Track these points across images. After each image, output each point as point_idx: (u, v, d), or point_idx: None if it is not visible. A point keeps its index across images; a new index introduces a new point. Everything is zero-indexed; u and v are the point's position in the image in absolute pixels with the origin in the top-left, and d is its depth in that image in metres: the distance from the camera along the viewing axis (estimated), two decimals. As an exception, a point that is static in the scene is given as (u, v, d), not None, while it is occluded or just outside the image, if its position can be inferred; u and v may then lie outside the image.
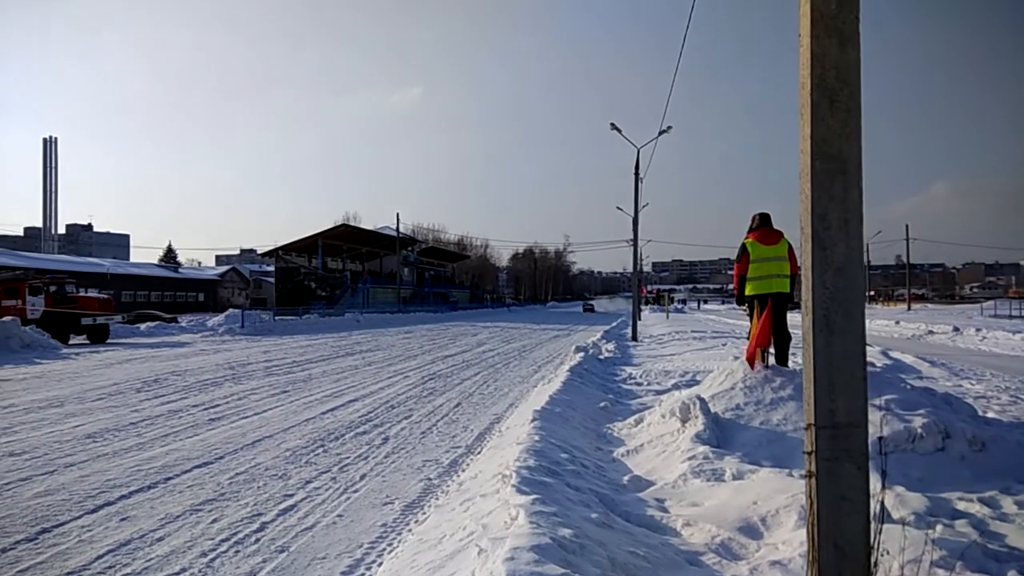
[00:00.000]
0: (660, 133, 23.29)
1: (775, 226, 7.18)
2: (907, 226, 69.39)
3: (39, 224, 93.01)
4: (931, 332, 24.50)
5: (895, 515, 3.77)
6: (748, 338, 7.21)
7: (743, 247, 7.18)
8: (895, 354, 13.29)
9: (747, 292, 7.15)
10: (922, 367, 11.97)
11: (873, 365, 9.34)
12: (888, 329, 29.07)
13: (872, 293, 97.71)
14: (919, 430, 5.00)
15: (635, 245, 26.53)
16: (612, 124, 24.49)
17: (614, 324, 34.85)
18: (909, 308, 63.13)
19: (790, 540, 3.46)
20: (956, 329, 23.78)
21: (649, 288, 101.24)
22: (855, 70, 2.39)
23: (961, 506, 4.20)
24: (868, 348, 9.49)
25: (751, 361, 6.66)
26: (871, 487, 2.42)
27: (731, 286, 7.47)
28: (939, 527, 3.64)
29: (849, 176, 2.39)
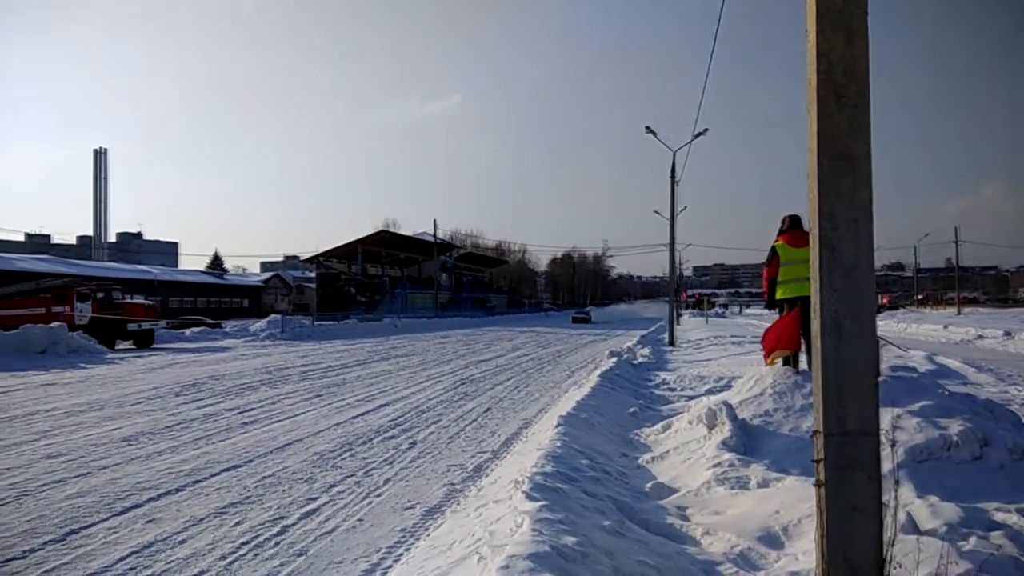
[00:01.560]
0: (696, 135, 23.00)
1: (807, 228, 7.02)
2: (956, 228, 67.42)
3: (91, 233, 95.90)
4: (981, 336, 23.70)
5: (927, 525, 3.62)
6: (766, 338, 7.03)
7: (773, 250, 7.04)
8: (940, 359, 12.84)
9: (778, 296, 7.00)
10: (967, 372, 11.56)
11: (915, 370, 9.06)
12: (936, 333, 28.23)
13: (921, 296, 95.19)
14: (955, 437, 4.80)
15: (672, 249, 26.23)
16: (647, 127, 24.28)
17: (651, 329, 34.49)
18: (959, 312, 61.21)
19: (811, 551, 3.34)
20: (1007, 333, 22.95)
21: (689, 293, 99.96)
22: (863, 65, 2.30)
23: (999, 517, 4.01)
24: (913, 353, 9.18)
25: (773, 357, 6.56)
26: (897, 497, 2.32)
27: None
28: (972, 539, 3.48)
29: (858, 174, 2.30)
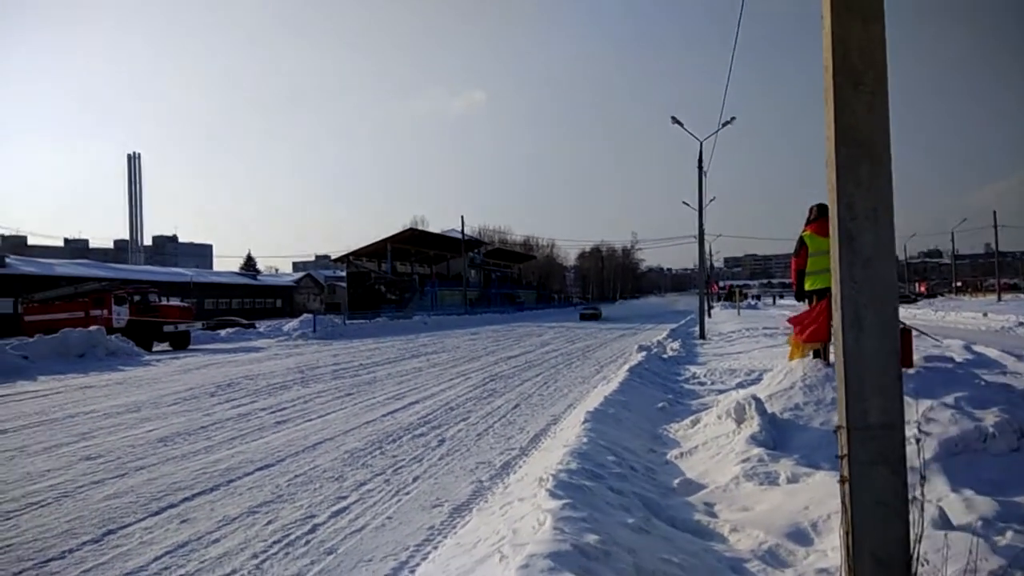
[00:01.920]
0: (723, 124, 22.75)
1: None
2: (995, 212, 65.49)
3: (127, 237, 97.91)
4: (1022, 324, 23.09)
5: (961, 520, 3.55)
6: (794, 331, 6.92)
7: (801, 240, 6.93)
8: (978, 348, 12.51)
9: (807, 287, 6.89)
10: (1007, 361, 11.24)
11: (951, 360, 8.86)
12: (975, 321, 27.57)
13: (959, 284, 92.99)
14: (991, 429, 4.69)
15: (700, 240, 25.99)
16: (673, 118, 24.05)
17: (682, 322, 34.22)
18: (999, 299, 59.59)
19: (839, 547, 3.30)
20: (1050, 320, 22.36)
21: (721, 284, 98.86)
22: (881, 50, 2.25)
23: (1037, 511, 3.92)
24: (949, 342, 8.98)
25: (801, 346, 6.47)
26: (924, 492, 2.27)
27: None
28: (1009, 533, 3.40)
29: (877, 163, 2.25)
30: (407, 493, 5.47)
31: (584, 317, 51.08)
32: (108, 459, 6.80)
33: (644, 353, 13.80)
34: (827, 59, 2.29)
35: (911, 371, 5.70)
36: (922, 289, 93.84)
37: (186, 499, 5.39)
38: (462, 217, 60.12)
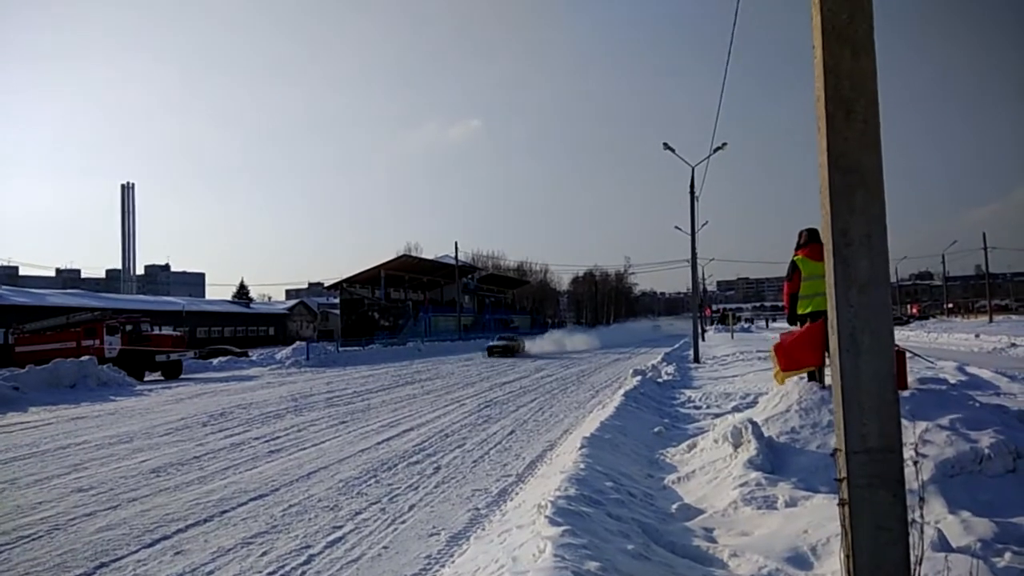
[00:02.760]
0: (715, 150, 22.95)
1: None
2: (984, 234, 65.96)
3: (120, 266, 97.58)
4: (1014, 345, 23.18)
5: (960, 542, 3.54)
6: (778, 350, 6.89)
7: (793, 264, 6.97)
8: (971, 369, 12.58)
9: (800, 311, 6.92)
10: (1000, 382, 11.29)
11: (945, 381, 8.89)
12: (968, 343, 27.68)
13: (951, 306, 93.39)
14: (986, 450, 4.70)
15: (693, 264, 26.08)
16: (665, 144, 24.28)
17: (676, 346, 34.22)
18: (991, 320, 59.85)
19: (840, 571, 3.28)
20: (1042, 341, 22.47)
21: (714, 308, 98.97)
22: (871, 80, 2.30)
23: (1035, 532, 3.92)
24: (943, 364, 9.02)
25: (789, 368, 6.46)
26: (924, 515, 2.28)
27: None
28: (1007, 554, 3.40)
29: (870, 188, 2.29)
30: (403, 522, 5.43)
31: (493, 352, 32.32)
32: (100, 491, 6.73)
33: (639, 378, 13.78)
34: (819, 88, 2.34)
35: (905, 393, 5.72)
36: (914, 311, 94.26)
37: (180, 530, 5.34)
38: (456, 243, 60.27)
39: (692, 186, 24.93)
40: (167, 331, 30.25)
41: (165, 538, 5.15)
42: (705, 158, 23.97)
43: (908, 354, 7.07)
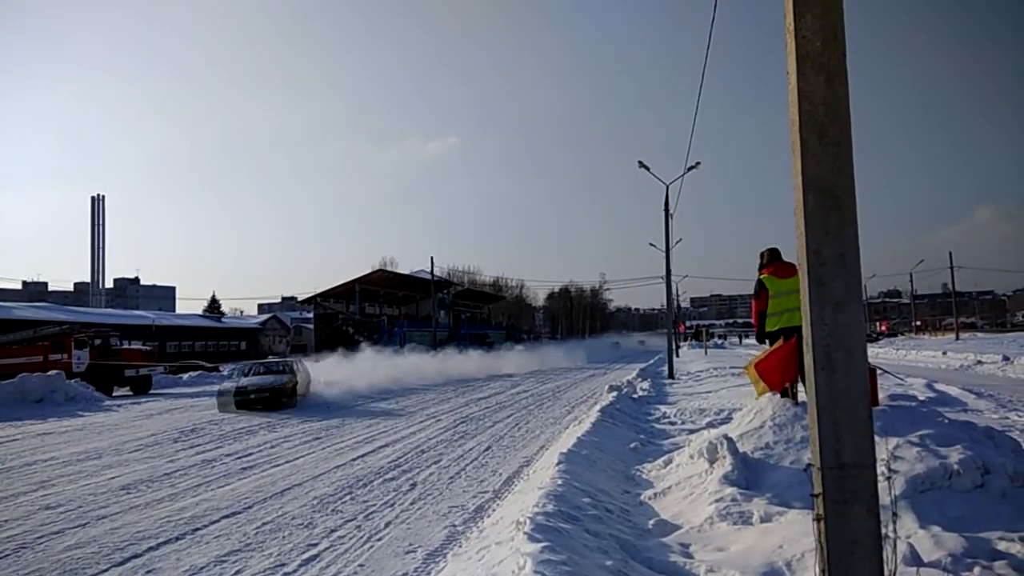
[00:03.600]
0: (688, 169, 23.26)
1: (785, 259, 7.08)
2: (950, 253, 67.79)
3: (88, 279, 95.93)
4: (980, 362, 23.68)
5: (930, 557, 3.61)
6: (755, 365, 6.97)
7: (760, 283, 7.07)
8: (940, 386, 12.83)
9: (769, 328, 7.01)
10: (968, 399, 11.54)
11: (915, 398, 9.05)
12: (935, 360, 28.20)
13: (919, 323, 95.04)
14: (955, 466, 4.80)
15: (668, 281, 26.34)
16: (640, 162, 24.55)
17: (651, 362, 34.41)
18: (957, 338, 61.03)
19: (815, 586, 3.33)
20: (1006, 358, 22.94)
21: (688, 324, 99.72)
22: (844, 106, 2.37)
23: (1002, 546, 3.99)
24: (912, 380, 9.17)
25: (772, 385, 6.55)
26: (896, 530, 2.32)
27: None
28: (976, 569, 3.48)
29: (843, 211, 2.36)
30: (379, 539, 5.40)
31: (244, 402, 16.54)
32: (69, 508, 6.60)
33: (615, 393, 13.84)
34: (793, 113, 2.41)
35: (876, 409, 5.82)
36: (883, 328, 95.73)
37: (151, 548, 5.26)
38: (431, 258, 60.11)
39: (667, 204, 25.21)
40: (136, 345, 29.76)
41: (136, 556, 5.07)
42: (679, 176, 24.27)
43: (878, 371, 7.19)
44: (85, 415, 16.14)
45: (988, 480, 4.80)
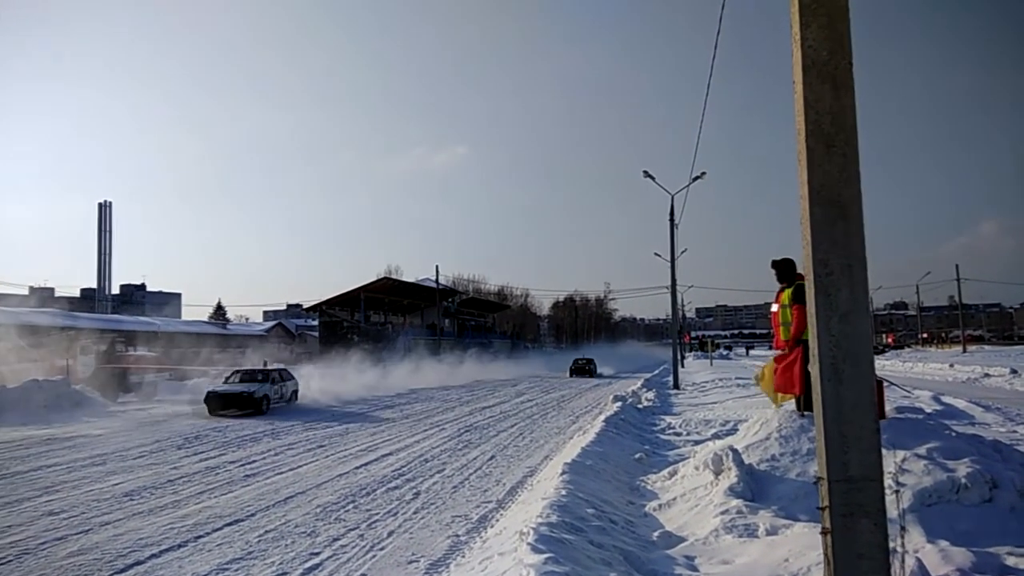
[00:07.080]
0: (694, 179, 23.28)
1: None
2: (957, 266, 67.32)
3: (95, 285, 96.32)
4: (987, 375, 23.55)
5: (938, 571, 3.57)
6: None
7: (801, 288, 6.90)
8: (946, 399, 12.75)
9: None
10: (975, 412, 11.46)
11: (921, 411, 9.00)
12: (942, 372, 28.06)
13: (925, 336, 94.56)
14: (963, 480, 4.75)
15: (673, 291, 26.31)
16: (645, 172, 24.58)
17: (656, 372, 34.31)
18: (964, 350, 60.73)
19: (821, 600, 3.29)
20: (1014, 371, 22.81)
21: (693, 334, 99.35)
22: (851, 115, 2.36)
23: (1011, 561, 3.95)
24: (919, 393, 9.11)
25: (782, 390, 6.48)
26: (904, 544, 2.29)
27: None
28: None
29: (850, 221, 2.34)
30: (382, 548, 5.37)
31: None
32: (72, 514, 6.59)
33: (620, 404, 13.80)
34: (800, 123, 2.40)
35: (883, 422, 5.77)
36: (890, 340, 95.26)
37: (153, 555, 5.24)
38: (436, 267, 60.23)
39: (672, 214, 25.21)
40: (142, 351, 29.84)
41: (138, 563, 5.05)
42: (684, 187, 24.28)
43: (885, 383, 7.14)
44: (90, 421, 16.13)
45: (996, 494, 4.76)
